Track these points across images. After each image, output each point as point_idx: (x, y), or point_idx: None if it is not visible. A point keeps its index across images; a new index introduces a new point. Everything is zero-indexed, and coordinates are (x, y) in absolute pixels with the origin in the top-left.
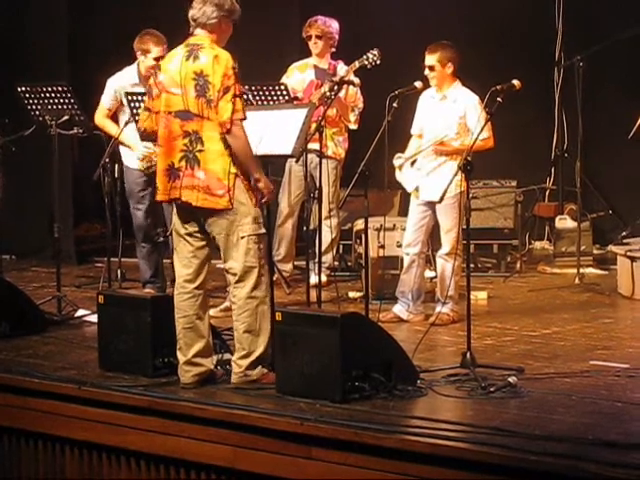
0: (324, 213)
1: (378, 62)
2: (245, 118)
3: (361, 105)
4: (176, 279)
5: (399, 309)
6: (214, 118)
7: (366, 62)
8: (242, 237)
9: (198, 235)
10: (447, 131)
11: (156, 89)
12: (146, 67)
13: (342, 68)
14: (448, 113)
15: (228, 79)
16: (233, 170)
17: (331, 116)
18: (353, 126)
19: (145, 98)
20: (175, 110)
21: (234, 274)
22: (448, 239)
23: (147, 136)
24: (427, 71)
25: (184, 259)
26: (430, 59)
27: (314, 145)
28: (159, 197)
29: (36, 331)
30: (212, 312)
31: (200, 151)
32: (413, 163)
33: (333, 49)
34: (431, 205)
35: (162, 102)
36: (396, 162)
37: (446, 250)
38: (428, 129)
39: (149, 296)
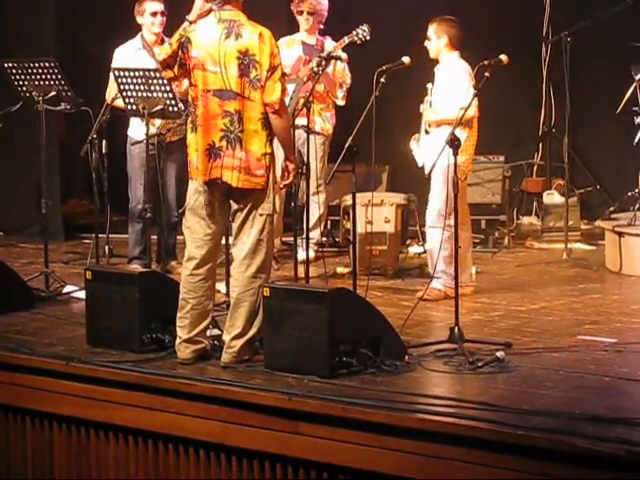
0: (312, 189)
1: (368, 38)
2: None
3: (349, 81)
4: (186, 260)
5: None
6: (256, 99)
7: (356, 38)
8: (261, 215)
9: (217, 218)
10: (437, 102)
11: (188, 65)
12: (149, 27)
13: (330, 44)
14: (440, 82)
15: (274, 58)
16: (269, 150)
17: (319, 92)
18: (341, 102)
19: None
20: (214, 89)
21: (242, 249)
22: (428, 210)
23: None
24: (426, 41)
25: (199, 240)
26: (429, 30)
27: (301, 120)
28: (199, 178)
29: (24, 307)
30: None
31: (241, 131)
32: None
33: (321, 26)
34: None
35: (198, 79)
36: (412, 144)
37: (427, 222)
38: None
39: (137, 272)
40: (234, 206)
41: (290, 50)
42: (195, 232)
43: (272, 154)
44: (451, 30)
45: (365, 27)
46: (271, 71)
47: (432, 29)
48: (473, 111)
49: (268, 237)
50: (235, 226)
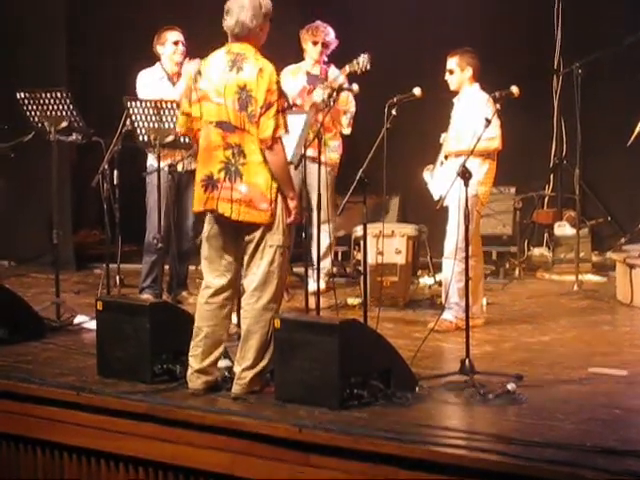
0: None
1: (368, 67)
2: (287, 132)
3: (353, 109)
4: (203, 289)
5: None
6: (254, 133)
7: (356, 67)
8: (270, 246)
9: (232, 247)
10: (460, 132)
11: (195, 94)
12: (170, 56)
13: (334, 72)
14: (462, 114)
15: (271, 94)
16: (275, 184)
17: (325, 122)
18: (346, 131)
19: (182, 101)
20: (216, 120)
21: (253, 280)
22: (446, 241)
23: (172, 143)
24: (447, 75)
25: (215, 270)
26: (450, 63)
27: (311, 152)
28: (195, 207)
29: (35, 337)
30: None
31: (243, 164)
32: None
33: (325, 57)
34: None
35: (203, 110)
36: (426, 175)
37: (445, 253)
38: (450, 133)
39: (148, 302)
40: (245, 237)
41: (295, 80)
42: (212, 262)
43: (279, 188)
44: (475, 62)
45: (365, 55)
46: (265, 107)
47: (454, 62)
48: (498, 142)
49: (279, 269)
50: (246, 258)
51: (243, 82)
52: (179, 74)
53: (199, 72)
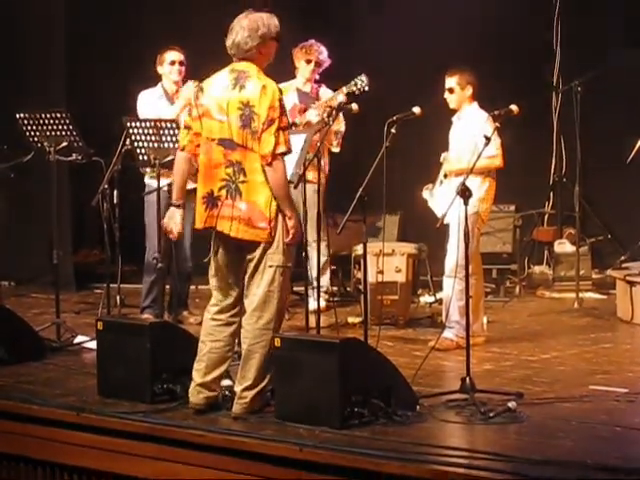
0: (311, 237)
1: (367, 88)
2: (289, 151)
3: (343, 128)
4: (210, 304)
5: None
6: (257, 150)
7: (354, 88)
8: (270, 266)
9: (235, 265)
10: (459, 150)
11: (196, 110)
12: (168, 76)
13: (325, 92)
14: (461, 132)
15: (274, 111)
16: (275, 203)
17: (313, 140)
18: (336, 149)
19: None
20: (218, 137)
21: (253, 301)
22: (447, 259)
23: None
24: (446, 94)
25: (223, 289)
26: (449, 81)
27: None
28: (196, 225)
29: (35, 358)
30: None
31: (243, 182)
32: (441, 183)
33: (317, 76)
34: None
35: (203, 127)
36: (425, 194)
37: (446, 271)
38: (451, 152)
39: (148, 322)
40: (246, 256)
41: (285, 97)
42: (219, 279)
43: (278, 206)
44: (474, 80)
45: (363, 77)
46: (267, 123)
47: (454, 80)
48: (499, 161)
49: (279, 289)
50: (246, 277)
51: (246, 99)
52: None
53: (201, 89)
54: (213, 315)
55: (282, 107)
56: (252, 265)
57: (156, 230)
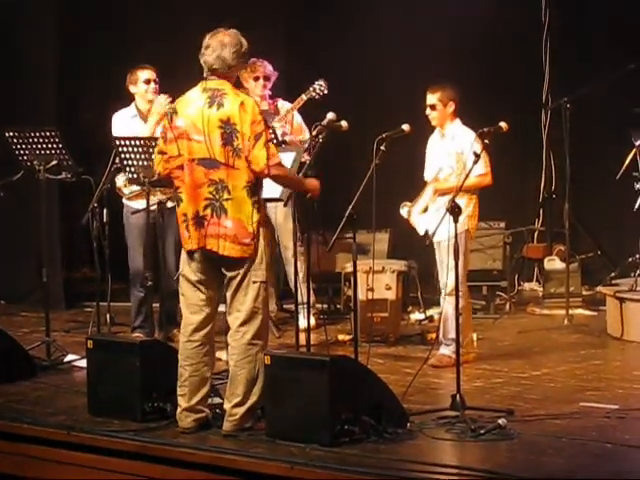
0: (289, 254)
1: (325, 92)
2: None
3: (307, 136)
4: (183, 326)
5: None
6: (241, 167)
7: (313, 93)
8: (254, 282)
9: (209, 283)
10: (444, 166)
11: (171, 133)
12: (143, 95)
13: (284, 105)
14: (446, 150)
15: (257, 125)
16: (256, 218)
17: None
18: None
19: (158, 142)
20: (198, 157)
21: (238, 317)
22: (449, 279)
23: (159, 181)
24: (428, 110)
25: (194, 307)
26: (431, 98)
27: None
28: (187, 246)
29: (25, 376)
30: (219, 354)
31: (227, 200)
32: (426, 210)
33: (269, 91)
34: (438, 244)
35: (183, 149)
36: (402, 212)
37: (447, 290)
38: (431, 169)
39: (138, 341)
40: (226, 274)
41: None
42: (189, 298)
43: (259, 222)
44: (456, 97)
45: (322, 82)
46: (254, 139)
47: (436, 97)
48: (489, 179)
49: (263, 304)
50: (228, 294)
51: (226, 116)
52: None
53: (175, 111)
54: (188, 337)
55: (264, 120)
56: (235, 282)
57: (139, 251)
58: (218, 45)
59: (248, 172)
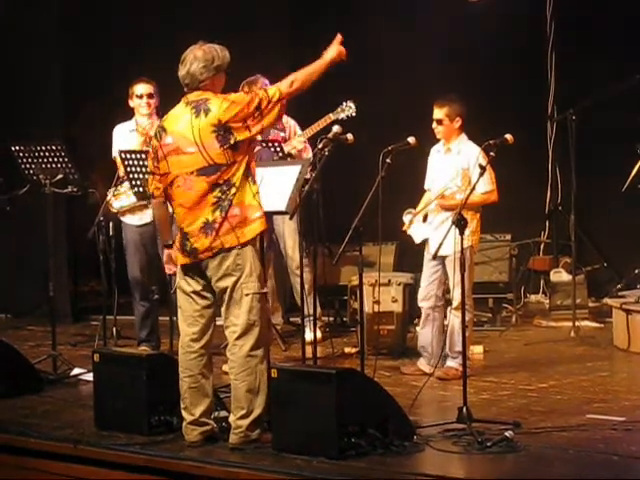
0: (294, 267)
1: (354, 114)
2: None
3: (300, 147)
4: (181, 338)
5: (422, 362)
6: (239, 159)
7: (342, 115)
8: (247, 294)
9: (204, 293)
10: (449, 184)
11: (161, 151)
12: (138, 109)
13: (288, 120)
14: (452, 165)
15: (251, 104)
16: (255, 189)
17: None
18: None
19: (147, 161)
20: (196, 168)
21: (235, 331)
22: (456, 293)
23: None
24: (434, 124)
25: (189, 318)
26: (438, 113)
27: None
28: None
29: (32, 390)
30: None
31: (234, 194)
32: (425, 219)
33: None
34: (441, 259)
35: (173, 165)
36: (405, 218)
37: (454, 304)
38: (435, 183)
39: (144, 354)
40: (216, 288)
41: None
42: (186, 309)
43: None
44: (464, 111)
45: (351, 103)
46: (256, 110)
47: (443, 112)
48: (495, 196)
49: (259, 315)
50: (222, 309)
51: (216, 119)
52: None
53: (163, 129)
54: (186, 349)
55: (248, 97)
56: (226, 296)
57: (135, 264)
58: (189, 59)
59: (245, 158)
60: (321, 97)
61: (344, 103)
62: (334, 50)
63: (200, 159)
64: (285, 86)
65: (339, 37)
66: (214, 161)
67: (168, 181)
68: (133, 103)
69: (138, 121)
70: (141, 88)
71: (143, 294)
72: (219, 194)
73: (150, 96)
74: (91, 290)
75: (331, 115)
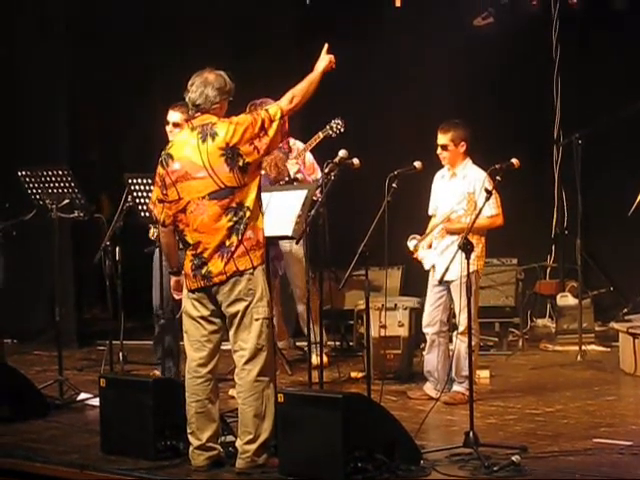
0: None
1: (342, 130)
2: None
3: (319, 175)
4: (187, 363)
5: (428, 387)
6: (249, 182)
7: (330, 132)
8: (257, 319)
9: (212, 319)
10: (456, 207)
11: (169, 178)
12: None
13: (295, 143)
14: (457, 190)
15: (254, 126)
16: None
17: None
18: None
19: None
20: (208, 193)
21: (243, 355)
22: (462, 318)
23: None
24: (439, 150)
25: (196, 343)
26: (443, 138)
27: None
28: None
29: (38, 415)
30: (232, 392)
31: (249, 217)
32: (430, 245)
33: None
34: (447, 284)
35: (183, 191)
36: (410, 244)
37: (460, 329)
38: (440, 208)
39: (151, 379)
40: (227, 312)
41: None
42: (192, 335)
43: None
44: (468, 136)
45: (339, 120)
46: (261, 129)
47: (448, 137)
48: (501, 219)
49: (267, 340)
50: (231, 333)
51: (224, 142)
52: None
53: (170, 156)
54: (192, 374)
55: (251, 118)
56: (236, 320)
57: (155, 288)
58: (202, 83)
59: (254, 181)
60: (320, 119)
61: (332, 121)
62: (324, 60)
63: (211, 183)
64: (285, 103)
65: (326, 46)
66: (225, 184)
67: (180, 207)
68: (168, 127)
69: None
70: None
71: (156, 319)
72: (235, 218)
73: (176, 125)
74: (97, 315)
75: (320, 133)
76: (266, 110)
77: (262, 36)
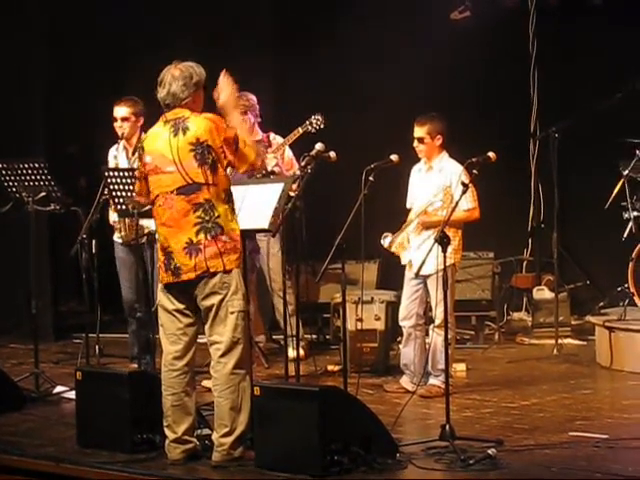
0: (277, 288)
1: (322, 126)
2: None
3: (297, 171)
4: (164, 356)
5: (405, 380)
6: (218, 181)
7: (310, 127)
8: (232, 312)
9: (187, 312)
10: (433, 199)
11: (144, 169)
12: (118, 129)
13: (275, 137)
14: (434, 183)
15: (228, 131)
16: (235, 221)
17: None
18: (291, 193)
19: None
20: (176, 187)
21: (219, 348)
22: (438, 311)
23: (147, 212)
24: (416, 143)
25: (172, 336)
26: (419, 131)
27: None
28: (186, 276)
29: (14, 408)
30: (206, 383)
31: (218, 217)
32: (408, 241)
33: (259, 119)
34: (423, 278)
35: (153, 184)
36: (384, 242)
37: (436, 322)
38: (417, 201)
39: (127, 372)
40: (202, 306)
41: None
42: (168, 328)
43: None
44: (445, 129)
45: (318, 116)
46: (234, 143)
47: (424, 130)
48: (477, 213)
49: (243, 333)
50: (206, 327)
51: (194, 138)
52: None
53: (142, 148)
54: (169, 366)
55: (229, 126)
56: (211, 314)
57: (125, 283)
58: (168, 81)
59: (223, 183)
60: (298, 114)
61: (312, 117)
62: (225, 92)
63: (179, 178)
64: (254, 157)
65: (223, 73)
66: (193, 180)
67: (150, 200)
68: (116, 123)
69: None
70: (116, 111)
71: (132, 313)
72: (202, 214)
73: (124, 119)
74: (73, 308)
75: (300, 129)
76: (244, 143)
77: (234, 32)
